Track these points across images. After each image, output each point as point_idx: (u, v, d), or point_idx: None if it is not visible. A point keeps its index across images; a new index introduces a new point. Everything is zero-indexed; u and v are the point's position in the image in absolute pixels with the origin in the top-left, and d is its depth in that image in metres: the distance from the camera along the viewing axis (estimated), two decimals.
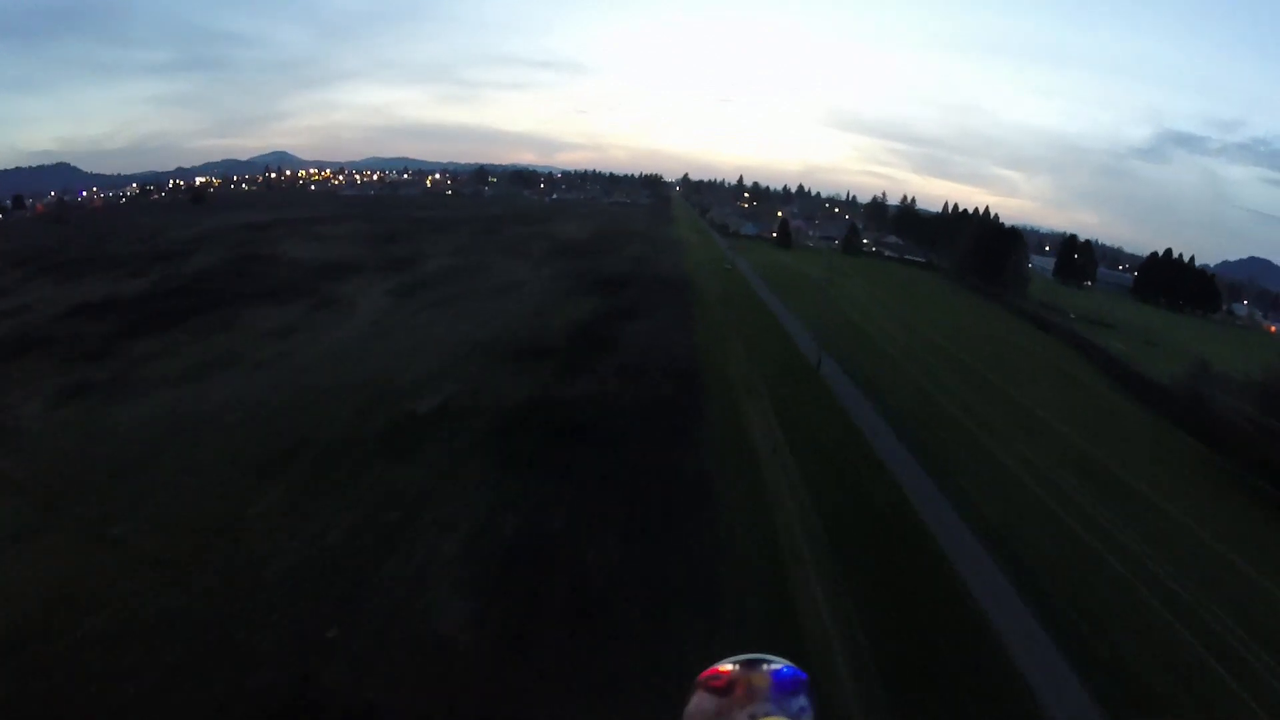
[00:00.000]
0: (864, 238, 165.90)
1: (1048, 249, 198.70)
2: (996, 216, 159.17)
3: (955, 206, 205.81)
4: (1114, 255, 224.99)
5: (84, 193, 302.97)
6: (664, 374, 48.86)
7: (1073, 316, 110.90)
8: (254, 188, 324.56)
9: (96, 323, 65.49)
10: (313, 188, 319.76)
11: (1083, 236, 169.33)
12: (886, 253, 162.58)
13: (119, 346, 58.63)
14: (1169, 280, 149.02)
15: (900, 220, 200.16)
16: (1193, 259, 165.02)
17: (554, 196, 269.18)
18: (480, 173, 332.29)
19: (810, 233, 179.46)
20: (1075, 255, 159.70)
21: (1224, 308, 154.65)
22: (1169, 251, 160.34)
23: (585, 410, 41.80)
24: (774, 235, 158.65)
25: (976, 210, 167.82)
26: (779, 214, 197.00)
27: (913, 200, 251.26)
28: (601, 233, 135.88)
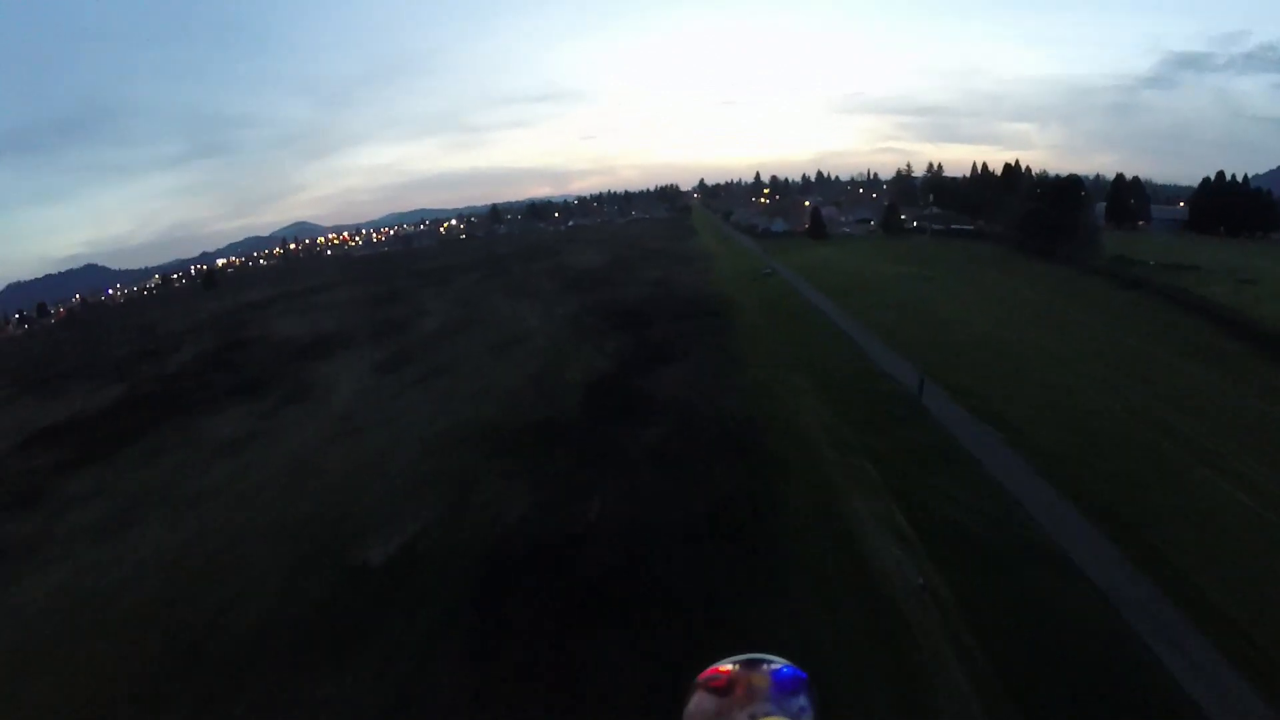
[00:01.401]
0: (902, 214, 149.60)
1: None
2: (1045, 173, 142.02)
3: (984, 166, 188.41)
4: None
5: (109, 290, 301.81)
6: (717, 447, 33.99)
7: (1152, 264, 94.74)
8: (271, 261, 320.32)
9: (46, 453, 55.07)
10: (328, 252, 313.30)
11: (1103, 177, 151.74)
12: (933, 226, 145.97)
13: (55, 486, 47.59)
14: (1224, 206, 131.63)
15: (935, 190, 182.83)
16: (1246, 179, 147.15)
17: (569, 224, 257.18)
18: (494, 212, 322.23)
19: (842, 219, 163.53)
20: (1126, 196, 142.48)
21: None
22: (1220, 175, 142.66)
23: (611, 545, 27.05)
24: (806, 229, 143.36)
25: (1014, 166, 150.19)
26: (805, 204, 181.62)
27: (939, 167, 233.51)
28: (619, 258, 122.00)
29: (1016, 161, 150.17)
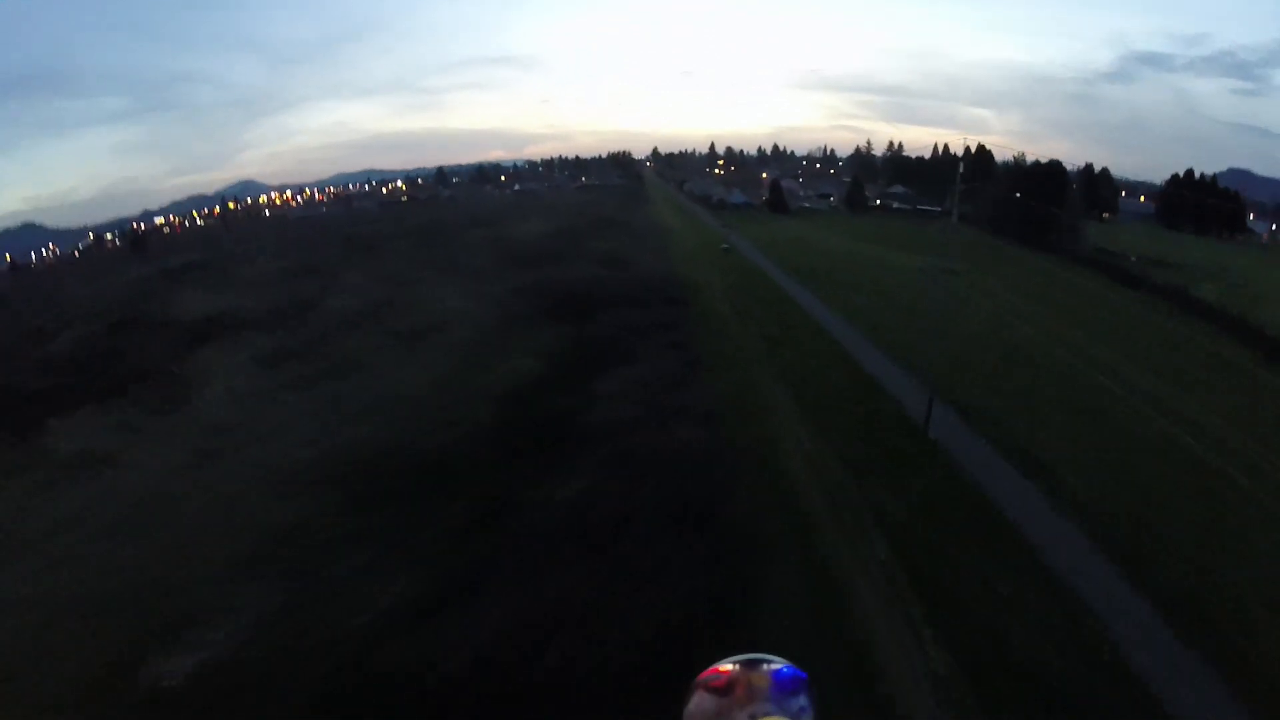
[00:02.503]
0: (866, 191, 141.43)
1: None
2: (1024, 157, 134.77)
3: (945, 148, 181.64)
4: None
5: (41, 252, 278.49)
6: (665, 514, 23.75)
7: (1133, 259, 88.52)
8: (209, 222, 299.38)
9: None
10: (266, 214, 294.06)
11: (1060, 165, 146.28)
12: (895, 204, 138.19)
13: None
14: (1194, 203, 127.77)
15: (898, 169, 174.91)
16: (1214, 179, 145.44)
17: (516, 188, 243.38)
18: (440, 174, 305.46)
19: (802, 193, 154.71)
20: (1095, 187, 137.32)
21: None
22: (1190, 173, 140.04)
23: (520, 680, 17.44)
24: (765, 201, 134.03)
25: (985, 149, 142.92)
26: (764, 176, 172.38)
27: (900, 146, 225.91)
28: (566, 228, 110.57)
29: (981, 146, 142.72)
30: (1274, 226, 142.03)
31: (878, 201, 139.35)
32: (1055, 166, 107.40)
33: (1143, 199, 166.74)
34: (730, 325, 48.42)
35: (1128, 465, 28.88)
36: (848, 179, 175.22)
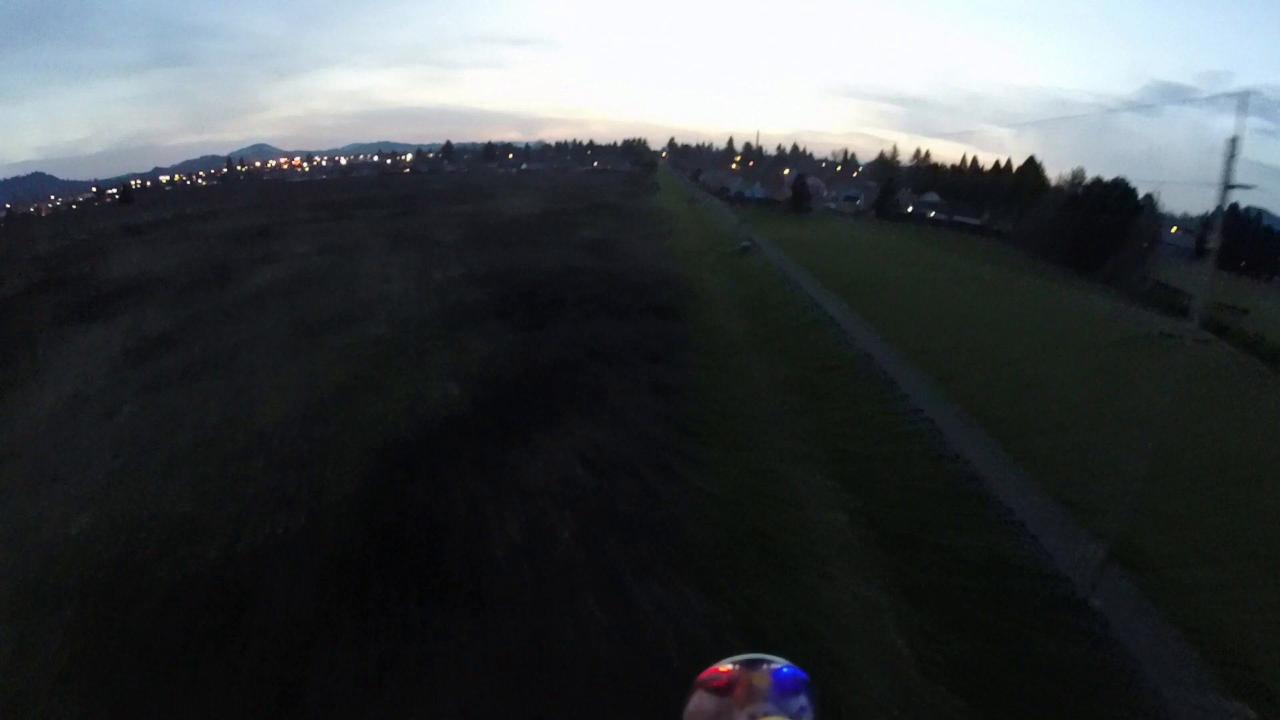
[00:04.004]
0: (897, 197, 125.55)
1: None
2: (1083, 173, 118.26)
3: (974, 160, 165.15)
4: None
5: (45, 202, 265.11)
6: None
7: (1193, 299, 72.57)
8: (211, 182, 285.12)
9: None
10: (264, 177, 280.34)
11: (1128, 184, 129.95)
12: (931, 214, 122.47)
13: None
14: (1241, 242, 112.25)
15: (931, 177, 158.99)
16: (1259, 215, 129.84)
17: (522, 167, 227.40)
18: (446, 148, 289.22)
19: (827, 193, 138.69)
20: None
21: None
22: (1234, 207, 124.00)
23: None
24: (789, 198, 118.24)
25: (1036, 163, 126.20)
26: (785, 173, 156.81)
27: (927, 154, 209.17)
28: (558, 208, 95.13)
29: (1032, 159, 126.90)
30: None
31: (909, 209, 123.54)
32: (1122, 186, 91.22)
33: (1174, 230, 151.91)
34: (743, 356, 33.09)
35: None
36: (871, 184, 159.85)
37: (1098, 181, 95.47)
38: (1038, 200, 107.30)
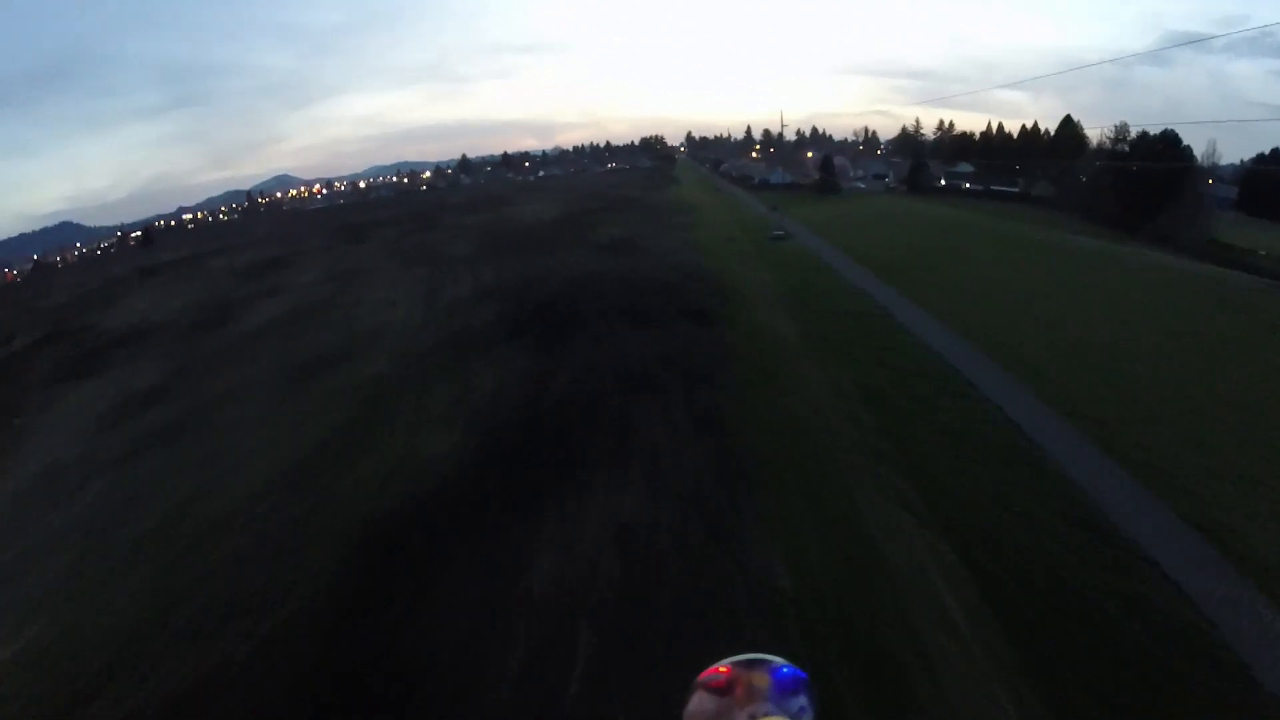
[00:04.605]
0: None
1: None
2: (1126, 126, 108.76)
3: (1000, 127, 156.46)
4: None
5: (73, 252, 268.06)
6: None
7: (1263, 254, 65.79)
8: (231, 217, 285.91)
9: None
10: (284, 207, 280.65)
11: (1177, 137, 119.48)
12: (965, 185, 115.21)
13: None
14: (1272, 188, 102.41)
15: (951, 147, 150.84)
16: None
17: (540, 174, 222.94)
18: (463, 161, 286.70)
19: (854, 173, 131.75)
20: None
21: None
22: (1276, 153, 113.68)
23: None
24: (815, 180, 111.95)
25: (1074, 121, 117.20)
26: (808, 155, 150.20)
27: (951, 125, 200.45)
28: (578, 210, 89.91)
29: (1069, 118, 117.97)
30: None
31: (941, 182, 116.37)
32: (1170, 139, 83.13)
33: (1210, 181, 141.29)
34: (794, 362, 27.50)
35: None
36: (897, 160, 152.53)
37: (1143, 135, 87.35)
38: (1078, 161, 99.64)
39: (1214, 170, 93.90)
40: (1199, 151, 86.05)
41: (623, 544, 15.07)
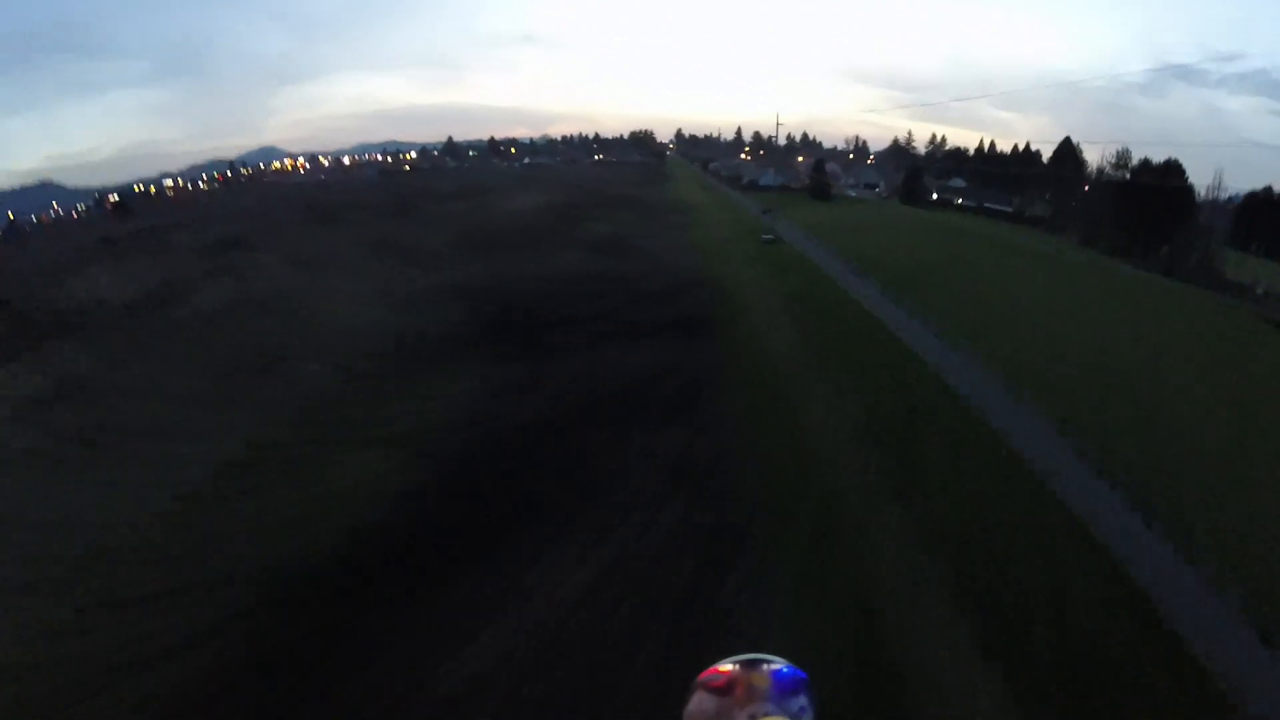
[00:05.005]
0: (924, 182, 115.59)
1: None
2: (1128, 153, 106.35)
3: (992, 145, 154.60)
4: None
5: (48, 212, 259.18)
6: None
7: (1261, 292, 63.52)
8: (212, 187, 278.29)
9: None
10: (265, 180, 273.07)
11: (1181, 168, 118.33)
12: (959, 200, 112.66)
13: None
14: (1273, 224, 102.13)
15: (955, 162, 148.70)
16: None
17: (526, 161, 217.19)
18: (450, 145, 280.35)
19: (846, 180, 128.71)
20: None
21: None
22: (1269, 189, 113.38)
23: None
24: (806, 185, 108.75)
25: (1073, 144, 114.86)
26: (799, 159, 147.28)
27: (943, 139, 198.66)
28: (565, 202, 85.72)
29: (1068, 140, 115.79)
30: None
31: (934, 195, 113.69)
32: (1175, 167, 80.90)
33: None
34: (798, 384, 23.89)
35: None
36: (891, 170, 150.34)
37: (1146, 162, 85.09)
38: (1079, 184, 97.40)
39: (1226, 202, 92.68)
40: (1199, 182, 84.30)
41: (550, 645, 11.38)
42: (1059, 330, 29.58)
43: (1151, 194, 77.90)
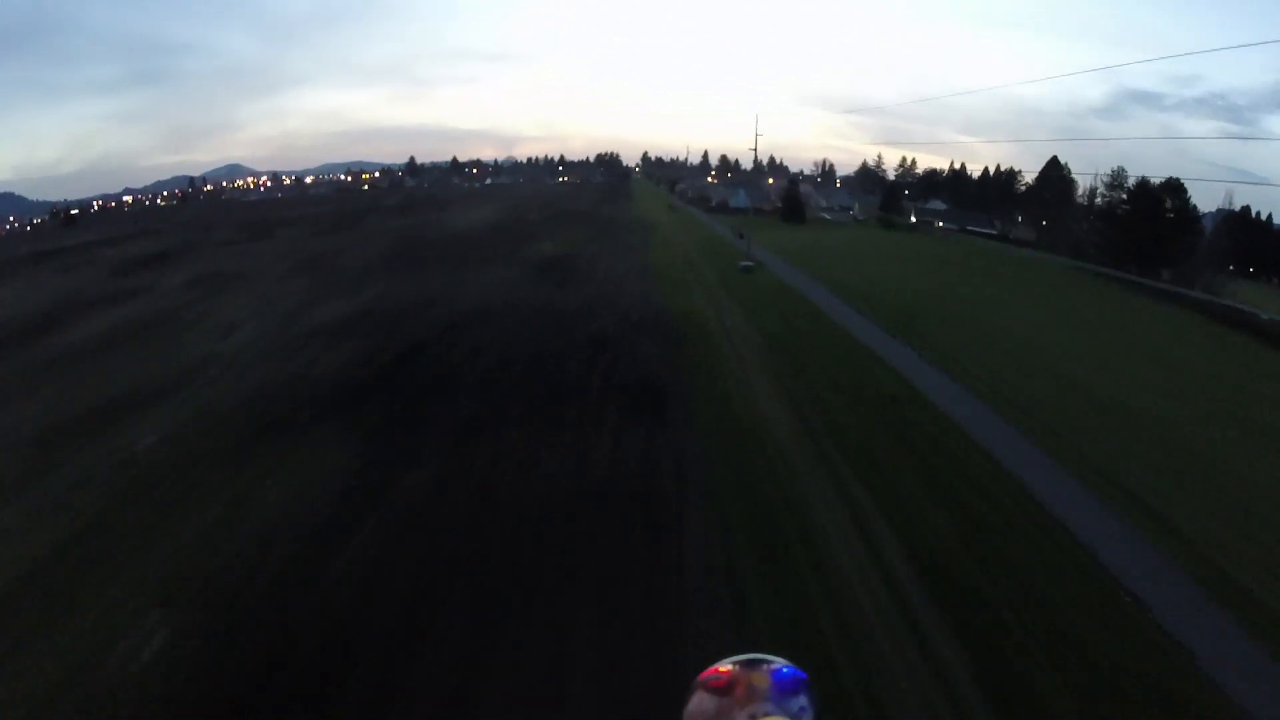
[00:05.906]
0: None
1: None
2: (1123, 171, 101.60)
3: (963, 166, 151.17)
4: None
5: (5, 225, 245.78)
6: None
7: (1265, 319, 58.37)
8: (169, 203, 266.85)
9: None
10: (222, 197, 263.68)
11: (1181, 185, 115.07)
12: (939, 223, 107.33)
13: None
14: (1246, 244, 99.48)
15: (929, 184, 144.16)
16: (1270, 218, 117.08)
17: (486, 182, 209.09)
18: (411, 164, 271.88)
19: (820, 202, 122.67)
20: None
21: None
22: (1246, 210, 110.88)
23: None
24: (778, 207, 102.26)
25: (1061, 163, 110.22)
26: (770, 181, 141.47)
27: (913, 162, 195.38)
28: (515, 219, 77.74)
29: (1055, 160, 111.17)
30: None
31: (913, 219, 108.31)
32: (1175, 187, 75.54)
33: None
34: (806, 511, 16.26)
35: None
36: (864, 193, 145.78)
37: (1143, 183, 79.76)
38: (1068, 206, 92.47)
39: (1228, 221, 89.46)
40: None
41: None
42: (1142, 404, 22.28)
43: (1151, 215, 72.83)
